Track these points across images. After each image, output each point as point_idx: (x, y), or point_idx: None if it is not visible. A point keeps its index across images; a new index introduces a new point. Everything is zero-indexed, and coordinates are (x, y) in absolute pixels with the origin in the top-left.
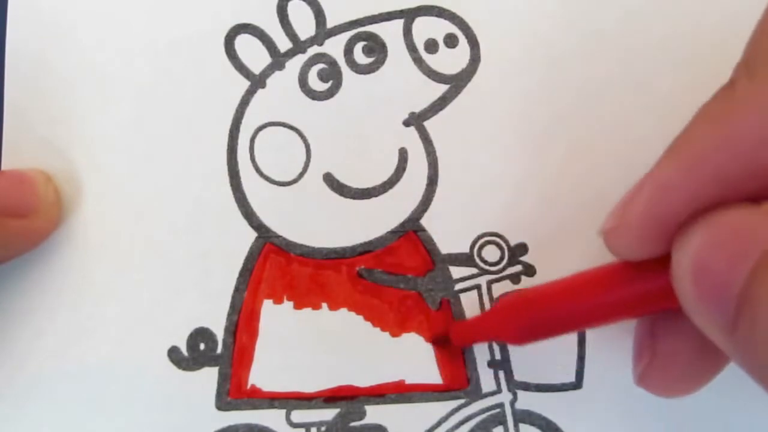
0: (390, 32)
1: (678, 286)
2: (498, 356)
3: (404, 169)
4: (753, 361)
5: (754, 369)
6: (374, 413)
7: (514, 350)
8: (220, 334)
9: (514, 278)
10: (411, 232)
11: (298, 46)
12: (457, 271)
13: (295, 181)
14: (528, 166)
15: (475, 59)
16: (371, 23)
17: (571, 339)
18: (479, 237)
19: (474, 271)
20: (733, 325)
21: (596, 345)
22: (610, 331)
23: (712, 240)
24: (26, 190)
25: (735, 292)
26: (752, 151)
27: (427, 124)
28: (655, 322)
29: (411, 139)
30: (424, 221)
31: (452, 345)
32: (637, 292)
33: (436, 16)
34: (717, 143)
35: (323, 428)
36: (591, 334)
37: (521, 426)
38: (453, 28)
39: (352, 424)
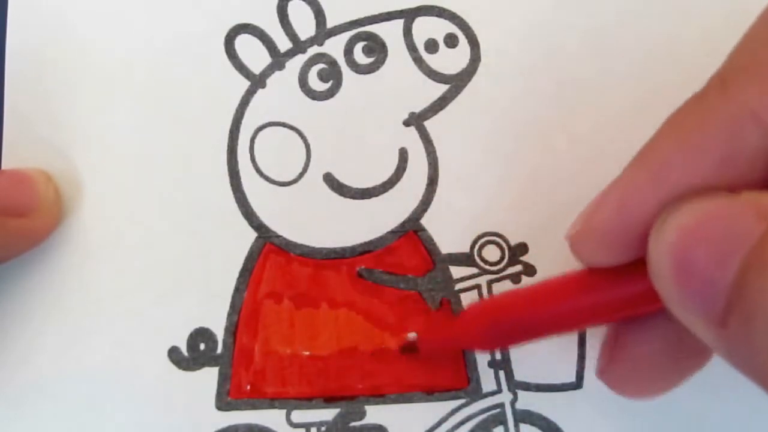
0: (390, 32)
1: (659, 284)
2: (498, 356)
3: (404, 169)
4: (748, 359)
5: (749, 366)
6: (374, 413)
7: (514, 350)
8: (220, 335)
9: (515, 278)
10: (411, 232)
11: (298, 46)
12: (457, 271)
13: (295, 181)
14: (528, 166)
15: (475, 59)
16: (371, 23)
17: (571, 339)
18: (479, 237)
19: (474, 270)
20: (723, 322)
21: (597, 345)
22: None
23: (692, 234)
24: (26, 190)
25: (724, 289)
26: (719, 162)
27: (427, 123)
28: (619, 326)
29: (411, 139)
30: (425, 221)
31: (420, 354)
32: (602, 299)
33: (437, 16)
34: (685, 152)
35: (323, 428)
36: (592, 334)
37: (521, 426)
38: (453, 28)
39: (352, 424)
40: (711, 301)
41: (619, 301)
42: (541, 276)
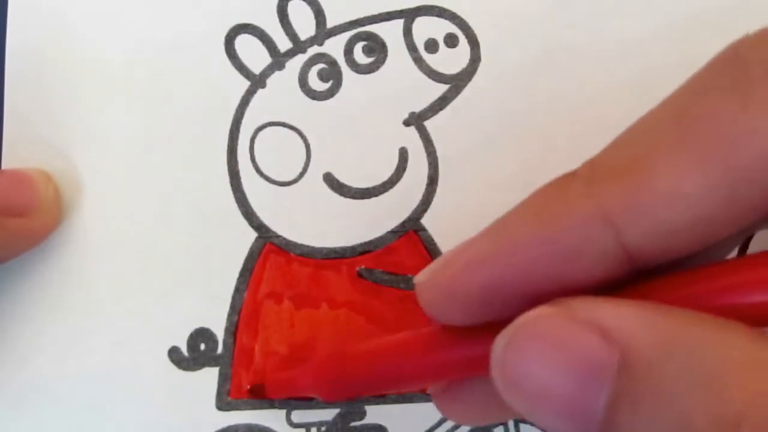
0: (390, 32)
1: (505, 396)
2: None
3: (404, 169)
4: None
5: None
6: (374, 413)
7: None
8: (220, 335)
9: None
10: (411, 231)
11: (298, 46)
12: None
13: (295, 181)
14: (529, 166)
15: (475, 59)
16: (371, 23)
17: None
18: None
19: None
20: None
21: None
22: None
23: (547, 356)
24: (26, 190)
25: (595, 419)
26: (568, 253)
27: (427, 123)
28: None
29: (411, 138)
30: (425, 221)
31: (267, 396)
32: (449, 359)
33: (437, 16)
34: (533, 238)
35: (323, 428)
36: None
37: (522, 426)
38: (453, 28)
39: (353, 424)
40: (580, 428)
41: (466, 363)
42: None
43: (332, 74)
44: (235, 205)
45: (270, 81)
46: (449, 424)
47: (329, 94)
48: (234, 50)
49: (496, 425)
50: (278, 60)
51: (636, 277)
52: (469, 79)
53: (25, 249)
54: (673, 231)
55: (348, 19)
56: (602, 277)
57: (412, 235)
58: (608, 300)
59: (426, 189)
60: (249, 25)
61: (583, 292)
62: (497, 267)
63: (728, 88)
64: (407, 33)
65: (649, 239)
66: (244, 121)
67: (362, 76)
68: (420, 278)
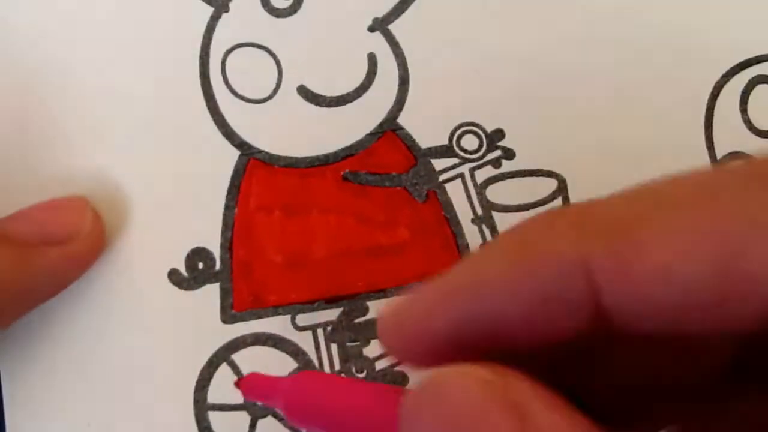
0: None
1: None
2: (489, 238)
3: (375, 73)
4: None
5: None
6: (376, 308)
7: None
8: (216, 252)
9: (495, 163)
10: (389, 131)
11: None
12: (439, 163)
13: (270, 97)
14: (496, 53)
15: None
16: None
17: None
18: (456, 128)
19: (456, 161)
20: None
21: None
22: None
23: (431, 419)
24: (63, 217)
25: None
26: (537, 305)
27: (391, 27)
28: None
29: (378, 43)
30: (401, 120)
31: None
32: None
33: None
34: (507, 282)
35: (329, 328)
36: None
37: None
38: None
39: (357, 320)
40: None
41: None
42: (520, 157)
43: None
44: (215, 126)
45: (233, 5)
46: None
47: (292, 10)
48: None
49: None
50: None
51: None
52: None
53: (73, 276)
54: (657, 307)
55: None
56: (568, 328)
57: (390, 135)
58: (546, 398)
59: (398, 89)
60: None
61: (544, 341)
62: (468, 305)
63: (758, 192)
64: None
65: (629, 308)
66: (212, 46)
67: None
68: (382, 315)
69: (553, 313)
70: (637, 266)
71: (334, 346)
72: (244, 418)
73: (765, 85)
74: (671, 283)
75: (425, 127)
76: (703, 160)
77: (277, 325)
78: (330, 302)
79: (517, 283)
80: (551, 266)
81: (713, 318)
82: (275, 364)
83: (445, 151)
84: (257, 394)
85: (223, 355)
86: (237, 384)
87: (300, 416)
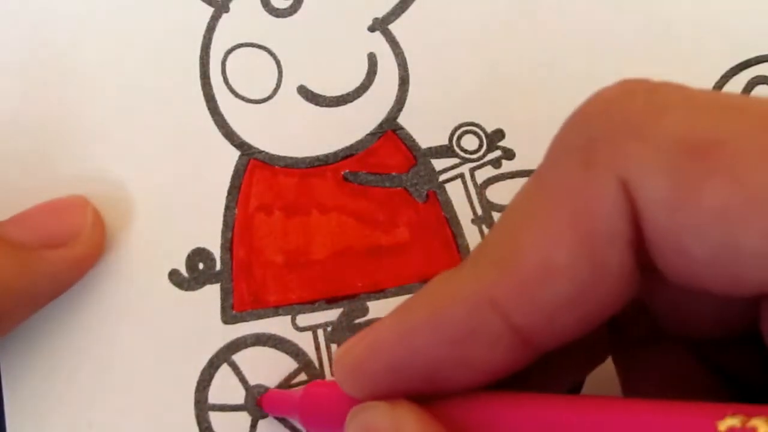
0: None
1: None
2: None
3: (375, 73)
4: None
5: None
6: (377, 308)
7: None
8: (216, 252)
9: (495, 163)
10: (389, 131)
11: None
12: (439, 163)
13: (270, 97)
14: (496, 53)
15: None
16: None
17: None
18: (457, 128)
19: (456, 161)
20: None
21: None
22: None
23: None
24: (62, 219)
25: None
26: (460, 338)
27: (391, 27)
28: None
29: (378, 43)
30: (401, 120)
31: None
32: None
33: None
34: (427, 325)
35: (329, 329)
36: None
37: None
38: None
39: (357, 321)
40: None
41: None
42: (520, 158)
43: None
44: (215, 127)
45: (233, 5)
46: None
47: (292, 10)
48: None
49: None
50: None
51: (547, 364)
52: None
53: (75, 277)
54: (553, 308)
55: None
56: (502, 360)
57: (390, 135)
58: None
59: (398, 89)
60: None
61: (489, 375)
62: (397, 350)
63: (575, 155)
64: None
65: (534, 319)
66: (212, 46)
67: None
68: (336, 354)
69: (475, 348)
70: (522, 273)
71: (334, 346)
72: (244, 418)
73: (765, 85)
74: (554, 276)
75: (425, 127)
76: None
77: (277, 325)
78: (330, 302)
79: (433, 328)
80: (458, 308)
81: (601, 304)
82: (276, 364)
83: (445, 151)
84: (276, 409)
85: (224, 355)
86: (258, 403)
87: (314, 424)
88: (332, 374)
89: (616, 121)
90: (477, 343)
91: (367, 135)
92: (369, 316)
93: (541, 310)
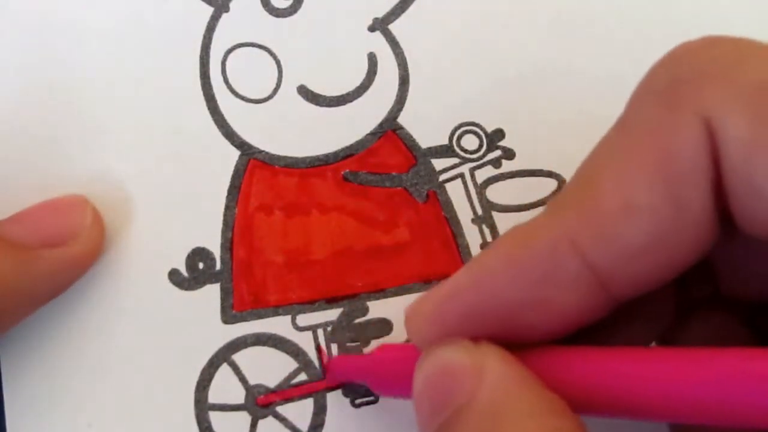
0: None
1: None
2: (489, 239)
3: (375, 73)
4: None
5: None
6: (377, 308)
7: (504, 231)
8: (217, 252)
9: (495, 163)
10: (389, 131)
11: None
12: (439, 163)
13: (270, 97)
14: (495, 53)
15: None
16: None
17: None
18: (457, 128)
19: (456, 160)
20: None
21: None
22: None
23: (424, 381)
24: (61, 218)
25: None
26: (538, 281)
27: (391, 27)
28: None
29: (378, 43)
30: (402, 120)
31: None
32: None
33: None
34: (505, 268)
35: (329, 328)
36: None
37: None
38: None
39: (357, 321)
40: None
41: None
42: (520, 158)
43: None
44: (215, 126)
45: (233, 5)
46: None
47: (292, 10)
48: None
49: None
50: None
51: (617, 315)
52: None
53: (73, 277)
54: (633, 250)
55: None
56: (578, 305)
57: (390, 135)
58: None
59: (399, 89)
60: None
61: (564, 321)
62: (475, 294)
63: (660, 97)
64: None
65: (613, 260)
66: (212, 46)
67: None
68: (408, 309)
69: (553, 290)
70: (602, 213)
71: (334, 346)
72: (244, 418)
73: None
74: (634, 216)
75: (425, 127)
76: None
77: (277, 325)
78: (330, 302)
79: (511, 270)
80: (535, 249)
81: (679, 248)
82: (276, 364)
83: (445, 151)
84: (343, 374)
85: (224, 355)
86: (325, 366)
87: (385, 386)
88: (406, 327)
89: (700, 64)
90: (555, 284)
91: (367, 135)
92: (369, 316)
93: (620, 251)
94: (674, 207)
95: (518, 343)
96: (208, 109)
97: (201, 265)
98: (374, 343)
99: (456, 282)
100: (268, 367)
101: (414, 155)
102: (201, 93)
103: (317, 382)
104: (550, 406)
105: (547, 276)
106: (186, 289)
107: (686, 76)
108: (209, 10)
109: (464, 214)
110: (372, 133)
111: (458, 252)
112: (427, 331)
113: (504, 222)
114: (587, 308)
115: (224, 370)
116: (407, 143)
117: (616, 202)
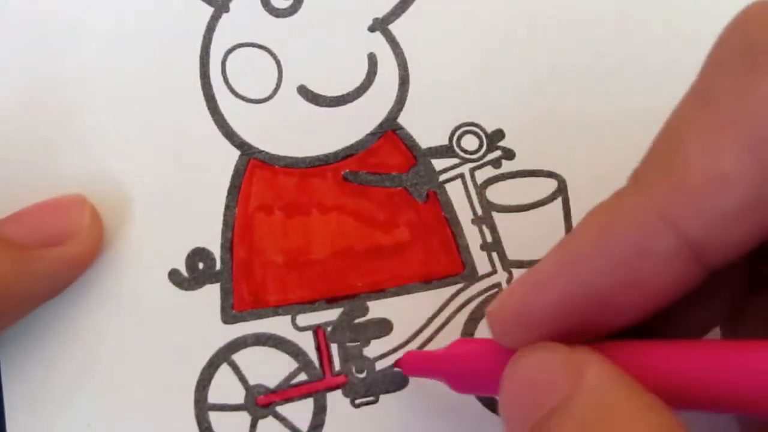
0: None
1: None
2: (489, 239)
3: (375, 73)
4: None
5: None
6: (377, 308)
7: (504, 232)
8: (217, 252)
9: (495, 163)
10: (390, 131)
11: None
12: (439, 163)
13: (270, 97)
14: (496, 53)
15: None
16: None
17: (556, 217)
18: (457, 128)
19: (456, 161)
20: None
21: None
22: None
23: (519, 384)
24: (60, 217)
25: None
26: (628, 261)
27: (391, 27)
28: None
29: (378, 43)
30: (402, 120)
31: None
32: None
33: None
34: (596, 248)
35: (329, 328)
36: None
37: None
38: None
39: (357, 320)
40: None
41: None
42: (520, 158)
43: None
44: (215, 127)
45: (233, 5)
46: (450, 309)
47: (292, 10)
48: None
49: None
50: None
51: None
52: None
53: (73, 276)
54: (726, 219)
55: None
56: (672, 280)
57: (390, 135)
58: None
59: (399, 89)
60: None
61: (655, 300)
62: (563, 282)
63: (739, 61)
64: None
65: (706, 228)
66: (212, 46)
67: None
68: (490, 307)
69: (648, 265)
70: (692, 182)
71: (334, 346)
72: (244, 418)
73: None
74: (725, 184)
75: (425, 127)
76: None
77: (277, 325)
78: (330, 302)
79: (601, 252)
80: (627, 224)
81: None
82: (276, 364)
83: (445, 151)
84: (417, 370)
85: (224, 355)
86: (397, 363)
87: (463, 383)
88: (489, 324)
89: None
90: (649, 262)
91: (367, 135)
92: (369, 316)
93: (714, 221)
94: (763, 171)
95: (602, 332)
96: (208, 109)
97: (201, 265)
98: (374, 343)
99: (541, 272)
100: (268, 367)
101: (414, 155)
102: (201, 93)
103: (317, 382)
104: (652, 405)
105: (642, 253)
106: (186, 289)
107: (764, 38)
108: (209, 10)
109: (464, 214)
110: (372, 133)
111: (458, 252)
112: (514, 331)
113: (504, 222)
114: (680, 283)
115: (224, 370)
116: (407, 143)
117: (706, 172)
